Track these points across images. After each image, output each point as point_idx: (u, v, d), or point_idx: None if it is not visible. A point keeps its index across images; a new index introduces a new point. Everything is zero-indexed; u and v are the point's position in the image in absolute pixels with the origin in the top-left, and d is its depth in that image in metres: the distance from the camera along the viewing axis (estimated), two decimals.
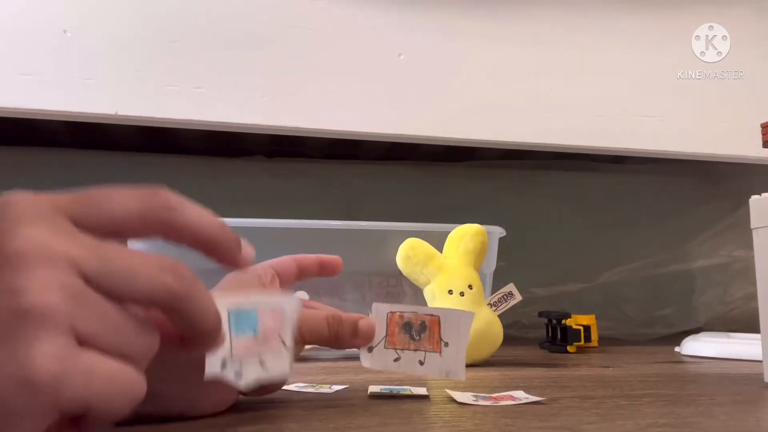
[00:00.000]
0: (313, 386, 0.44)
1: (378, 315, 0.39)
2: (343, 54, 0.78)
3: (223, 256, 0.26)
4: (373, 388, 0.43)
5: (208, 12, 0.74)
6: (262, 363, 0.31)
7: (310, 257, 0.42)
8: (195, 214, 0.25)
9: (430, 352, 0.38)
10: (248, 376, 0.30)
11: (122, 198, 0.24)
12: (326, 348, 0.39)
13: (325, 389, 0.43)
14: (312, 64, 0.76)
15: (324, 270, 0.43)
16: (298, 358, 0.41)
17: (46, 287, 0.20)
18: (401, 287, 0.67)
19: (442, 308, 0.39)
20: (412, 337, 0.38)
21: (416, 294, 0.64)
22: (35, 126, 0.94)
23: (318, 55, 0.77)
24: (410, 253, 0.62)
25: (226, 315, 0.28)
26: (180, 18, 0.73)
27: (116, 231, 0.23)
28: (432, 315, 0.38)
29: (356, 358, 0.39)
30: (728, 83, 0.87)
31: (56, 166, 1.03)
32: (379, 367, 0.38)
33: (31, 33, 0.69)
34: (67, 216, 0.23)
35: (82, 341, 0.21)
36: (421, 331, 0.38)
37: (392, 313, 0.38)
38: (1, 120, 0.73)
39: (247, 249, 0.27)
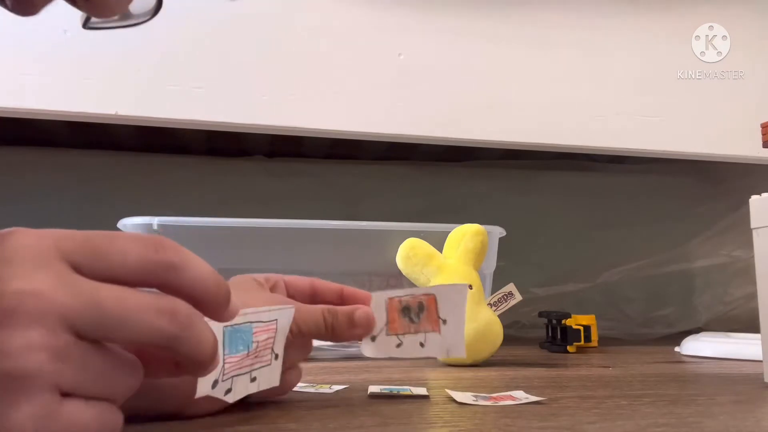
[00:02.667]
0: (313, 386, 0.44)
1: (377, 303, 0.39)
2: (343, 54, 0.78)
3: (211, 312, 0.27)
4: (373, 388, 0.43)
5: (208, 12, 0.74)
6: (252, 377, 0.31)
7: (331, 284, 0.42)
8: (193, 274, 0.25)
9: (430, 332, 0.38)
10: (238, 391, 0.30)
11: (126, 249, 0.24)
12: (328, 345, 0.39)
13: (325, 389, 0.43)
14: (312, 64, 0.76)
15: (344, 302, 0.41)
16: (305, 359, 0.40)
17: (32, 349, 0.21)
18: (401, 287, 0.67)
19: (436, 286, 0.39)
20: (411, 320, 0.38)
21: None
22: (35, 126, 0.94)
23: (318, 56, 0.77)
24: (410, 253, 0.62)
25: (221, 334, 0.28)
26: (180, 18, 0.73)
27: (114, 280, 0.24)
28: (428, 294, 0.38)
29: (356, 358, 0.39)
30: (728, 83, 0.87)
31: (56, 165, 1.03)
32: (382, 355, 0.38)
33: (32, 33, 0.69)
34: (67, 261, 0.23)
35: (65, 393, 0.22)
36: (420, 311, 0.38)
37: (390, 299, 0.38)
38: (1, 120, 0.73)
39: (234, 304, 0.27)
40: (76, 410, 0.22)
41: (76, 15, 0.72)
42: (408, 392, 0.42)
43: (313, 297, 0.41)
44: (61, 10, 0.73)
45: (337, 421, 0.33)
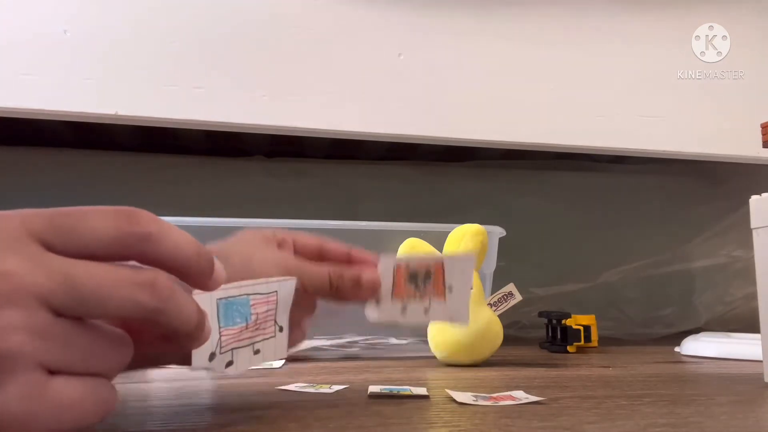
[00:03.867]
0: (313, 386, 0.44)
1: (385, 267, 0.38)
2: (343, 54, 0.78)
3: (194, 281, 0.26)
4: (373, 388, 0.43)
5: (208, 12, 0.74)
6: (256, 350, 0.31)
7: (340, 245, 0.41)
8: (170, 244, 0.25)
9: (434, 299, 0.37)
10: (241, 364, 0.30)
11: (98, 223, 0.23)
12: (328, 345, 0.39)
13: (325, 389, 0.43)
14: (312, 64, 0.76)
15: (352, 263, 0.40)
16: (300, 356, 0.40)
17: (11, 330, 0.21)
18: None
19: (445, 254, 0.38)
20: (417, 286, 0.38)
21: None
22: (35, 126, 0.94)
23: (318, 55, 0.77)
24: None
25: (215, 307, 0.28)
26: (180, 18, 0.73)
27: (89, 256, 0.23)
28: (436, 261, 0.38)
29: (356, 358, 0.39)
30: (728, 83, 0.87)
31: (56, 165, 1.03)
32: (385, 319, 0.38)
33: (32, 33, 0.69)
34: (38, 240, 0.23)
35: (52, 370, 0.22)
36: (426, 278, 0.38)
37: (399, 263, 0.38)
38: (2, 120, 0.73)
39: (219, 272, 0.27)
40: (65, 387, 0.22)
41: (76, 15, 0.72)
42: (408, 392, 0.42)
43: (320, 256, 0.41)
44: (61, 10, 0.73)
45: (337, 421, 0.33)
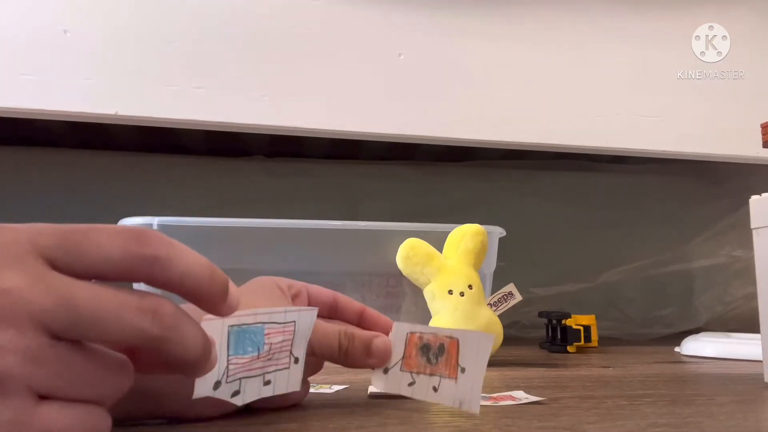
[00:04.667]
0: (313, 386, 0.44)
1: (397, 335, 0.36)
2: (343, 54, 0.78)
3: (206, 307, 0.25)
4: (374, 389, 0.43)
5: (208, 12, 0.74)
6: (267, 380, 0.30)
7: (353, 303, 0.40)
8: (181, 268, 0.24)
9: (445, 378, 0.35)
10: (249, 395, 0.29)
11: (105, 242, 0.23)
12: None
13: (325, 389, 0.43)
14: (312, 64, 0.76)
15: (363, 324, 0.40)
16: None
17: (2, 351, 0.20)
18: (401, 287, 0.67)
19: (462, 330, 0.36)
20: (429, 360, 0.35)
21: (416, 294, 0.64)
22: (36, 126, 0.94)
23: (318, 56, 0.77)
24: (410, 253, 0.62)
25: (225, 334, 0.27)
26: (180, 18, 0.73)
27: (95, 276, 0.23)
28: (452, 337, 0.35)
29: None
30: (728, 83, 0.87)
31: (56, 165, 1.03)
32: (391, 390, 0.36)
33: (32, 33, 0.69)
34: (44, 257, 0.22)
35: (43, 395, 0.21)
36: (439, 354, 0.35)
37: (412, 333, 0.36)
38: (2, 120, 0.73)
39: (234, 298, 0.26)
40: (54, 413, 0.21)
41: (77, 15, 0.72)
42: None
43: (332, 312, 0.40)
44: (61, 10, 0.73)
45: (337, 421, 0.33)
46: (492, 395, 0.41)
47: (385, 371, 0.36)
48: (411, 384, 0.36)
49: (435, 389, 0.35)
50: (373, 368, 0.37)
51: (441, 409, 0.37)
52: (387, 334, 0.37)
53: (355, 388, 0.44)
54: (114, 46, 0.71)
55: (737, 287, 1.09)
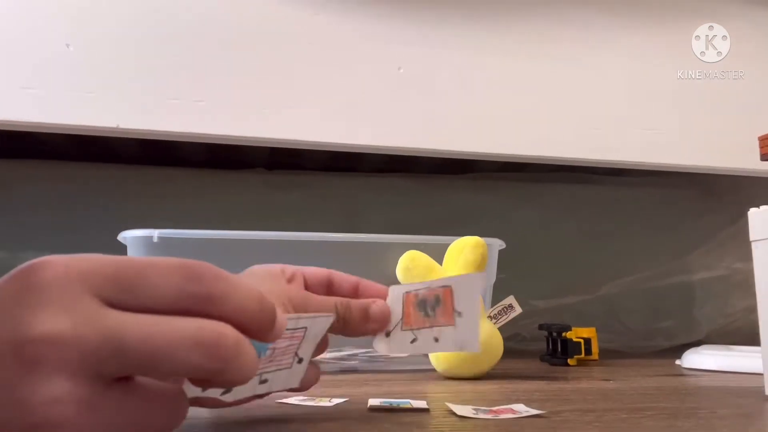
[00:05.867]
0: (312, 399, 0.44)
1: (394, 297, 0.37)
2: (343, 67, 0.78)
3: (254, 335, 0.25)
4: (373, 402, 0.43)
5: (210, 26, 0.75)
6: (263, 379, 0.30)
7: (348, 276, 0.40)
8: (234, 305, 0.23)
9: (444, 326, 0.35)
10: (240, 391, 0.29)
11: (159, 280, 0.23)
12: (327, 358, 0.38)
13: (324, 402, 0.43)
14: (312, 77, 0.77)
15: (360, 296, 0.40)
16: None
17: (57, 402, 0.20)
18: None
19: (454, 276, 0.37)
20: (426, 314, 0.36)
21: None
22: (37, 139, 0.94)
23: (318, 69, 0.77)
24: (410, 265, 0.62)
25: None
26: (181, 32, 0.74)
27: (150, 312, 0.22)
28: (445, 286, 0.36)
29: (355, 371, 0.39)
30: (726, 97, 0.88)
31: (57, 178, 1.04)
32: (396, 351, 0.36)
33: (34, 47, 0.69)
34: (97, 295, 0.22)
35: None
36: (436, 305, 0.36)
37: (408, 293, 0.37)
38: (3, 133, 0.73)
39: (281, 325, 0.26)
40: None
41: (79, 29, 0.73)
42: (408, 405, 0.42)
43: (329, 289, 0.40)
44: (63, 24, 0.74)
45: None
46: (492, 408, 0.41)
47: (387, 335, 0.37)
48: (414, 341, 0.36)
49: (436, 340, 0.36)
50: (374, 334, 0.37)
51: (442, 423, 0.37)
52: (385, 300, 0.38)
53: (355, 401, 0.44)
54: (115, 59, 0.72)
55: (738, 299, 1.09)
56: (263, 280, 0.36)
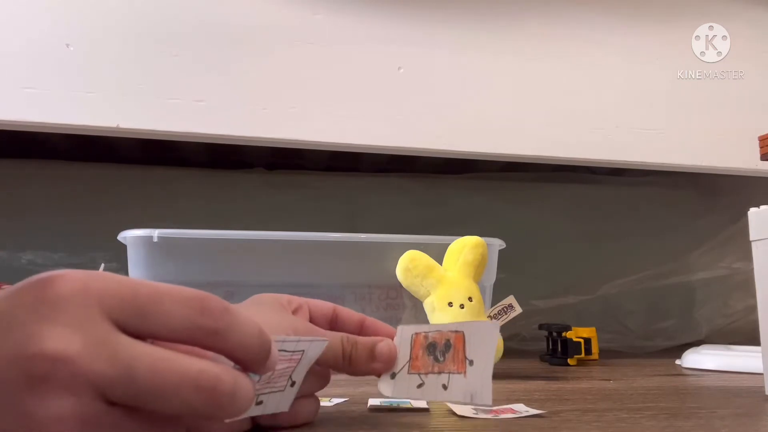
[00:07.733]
0: None
1: (403, 337, 0.35)
2: (343, 67, 0.78)
3: (250, 367, 0.26)
4: (373, 402, 0.43)
5: (209, 26, 0.75)
6: (259, 401, 0.30)
7: (353, 313, 0.40)
8: (236, 341, 0.25)
9: (454, 373, 0.34)
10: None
11: (171, 309, 0.23)
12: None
13: (325, 402, 0.43)
14: (312, 77, 0.77)
15: (364, 334, 0.39)
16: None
17: (62, 419, 0.21)
18: (401, 299, 0.67)
19: (467, 322, 0.35)
20: (436, 359, 0.35)
21: (416, 306, 0.64)
22: (38, 139, 0.94)
23: (318, 69, 0.77)
24: (410, 265, 0.62)
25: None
26: (181, 32, 0.74)
27: (159, 340, 0.23)
28: (457, 331, 0.35)
29: None
30: (726, 97, 0.88)
31: (57, 178, 1.04)
32: (401, 395, 0.35)
33: (34, 47, 0.69)
34: (110, 318, 0.22)
35: None
36: (446, 350, 0.35)
37: (417, 334, 0.35)
38: (4, 133, 0.73)
39: (274, 358, 0.27)
40: None
41: (79, 29, 0.73)
42: (408, 405, 0.42)
43: (333, 324, 0.39)
44: (63, 24, 0.74)
45: None
46: (492, 408, 0.41)
47: (392, 376, 0.35)
48: (420, 386, 0.35)
49: (444, 387, 0.34)
50: (379, 375, 0.35)
51: (442, 423, 0.37)
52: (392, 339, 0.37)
53: (355, 401, 0.44)
54: (115, 59, 0.72)
55: (737, 299, 1.09)
56: (270, 311, 0.36)
